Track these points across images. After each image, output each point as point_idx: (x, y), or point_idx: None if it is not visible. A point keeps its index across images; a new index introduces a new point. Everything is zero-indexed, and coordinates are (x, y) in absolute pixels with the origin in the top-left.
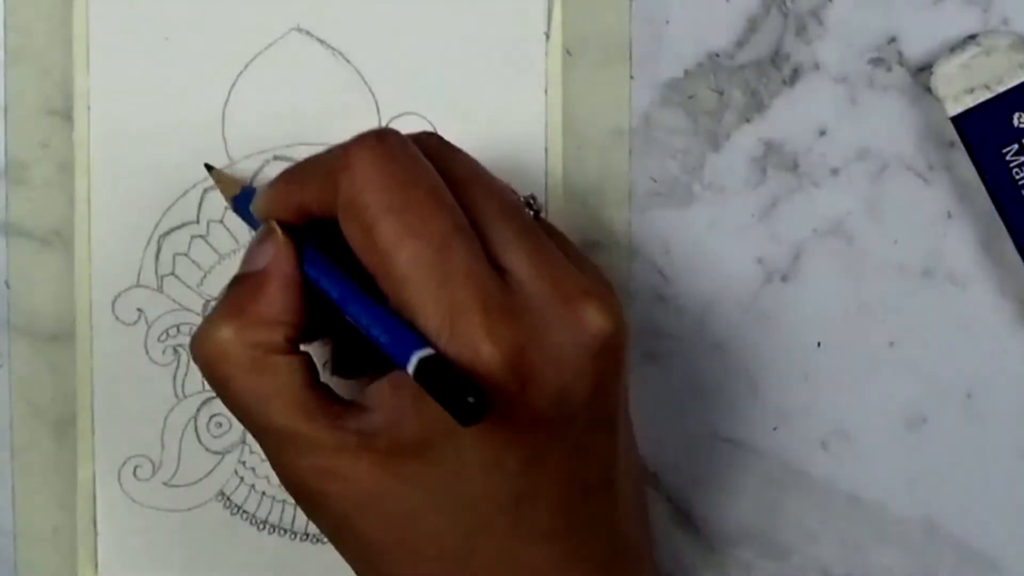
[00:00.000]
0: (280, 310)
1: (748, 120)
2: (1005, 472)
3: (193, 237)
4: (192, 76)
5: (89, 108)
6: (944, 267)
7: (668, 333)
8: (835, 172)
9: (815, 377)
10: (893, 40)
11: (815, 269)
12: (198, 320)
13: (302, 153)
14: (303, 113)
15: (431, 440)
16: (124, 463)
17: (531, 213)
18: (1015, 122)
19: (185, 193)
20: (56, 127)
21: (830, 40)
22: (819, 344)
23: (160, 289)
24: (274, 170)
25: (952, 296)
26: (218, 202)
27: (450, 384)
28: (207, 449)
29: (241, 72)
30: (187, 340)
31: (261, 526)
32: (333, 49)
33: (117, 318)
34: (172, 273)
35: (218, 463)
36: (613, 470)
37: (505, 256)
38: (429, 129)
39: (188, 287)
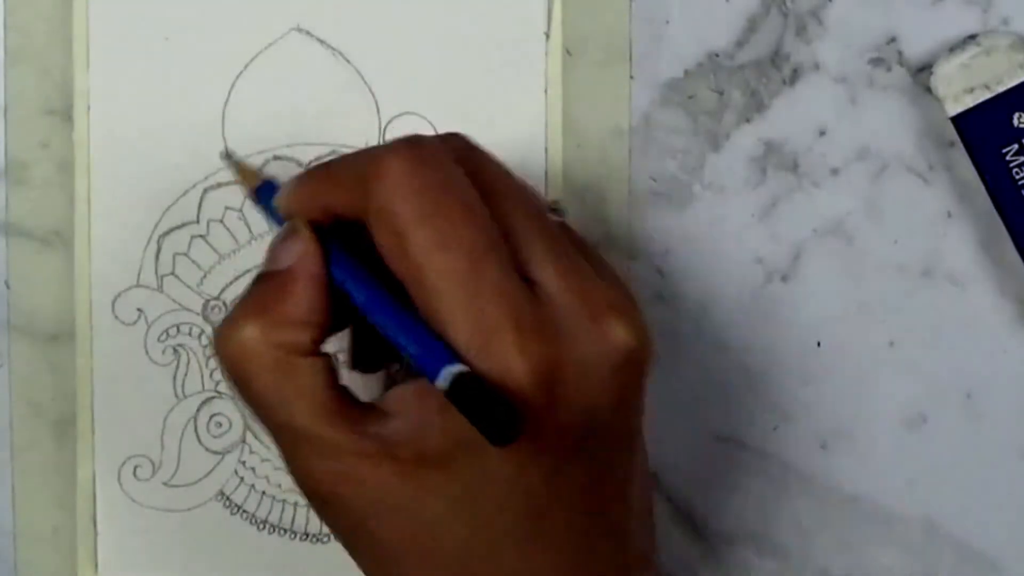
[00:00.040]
0: (306, 311)
1: (748, 120)
2: (1005, 472)
3: (193, 237)
4: (192, 76)
5: (89, 108)
6: (944, 267)
7: (668, 333)
8: (835, 172)
9: (815, 377)
10: (893, 40)
11: (815, 269)
12: (198, 320)
13: (302, 153)
14: (303, 113)
15: (456, 453)
16: (124, 463)
17: (557, 220)
18: (1015, 122)
19: (185, 193)
20: (56, 127)
21: (830, 40)
22: (819, 344)
23: (160, 289)
24: (274, 170)
25: (952, 296)
26: (218, 202)
27: (483, 403)
28: (207, 449)
29: (241, 72)
30: (187, 340)
31: (261, 526)
32: (333, 49)
33: (117, 318)
34: (172, 273)
35: (218, 463)
36: (629, 483)
37: (534, 268)
38: (429, 129)
39: (188, 287)
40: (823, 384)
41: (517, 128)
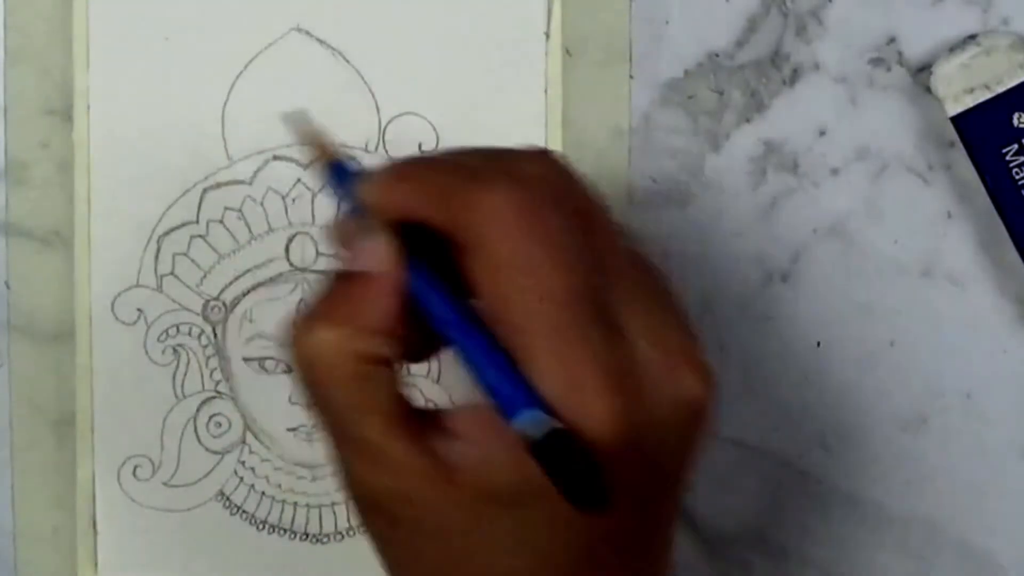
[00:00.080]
0: (385, 320)
1: (748, 120)
2: (1005, 472)
3: (192, 237)
4: (192, 76)
5: (89, 108)
6: (944, 267)
7: None
8: (835, 172)
9: (815, 377)
10: (893, 40)
11: (815, 269)
12: (198, 320)
13: (302, 153)
14: None
15: (523, 494)
16: (124, 463)
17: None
18: (1015, 122)
19: (185, 193)
20: (56, 127)
21: (830, 40)
22: (819, 344)
23: (160, 289)
24: (274, 170)
25: (952, 296)
26: (218, 202)
27: (571, 464)
28: (207, 449)
29: (241, 72)
30: (187, 340)
31: (261, 526)
32: (333, 49)
33: (117, 318)
34: (172, 273)
35: (218, 463)
36: (673, 525)
37: (622, 312)
38: (429, 129)
39: (188, 287)
40: (823, 384)
41: (517, 128)
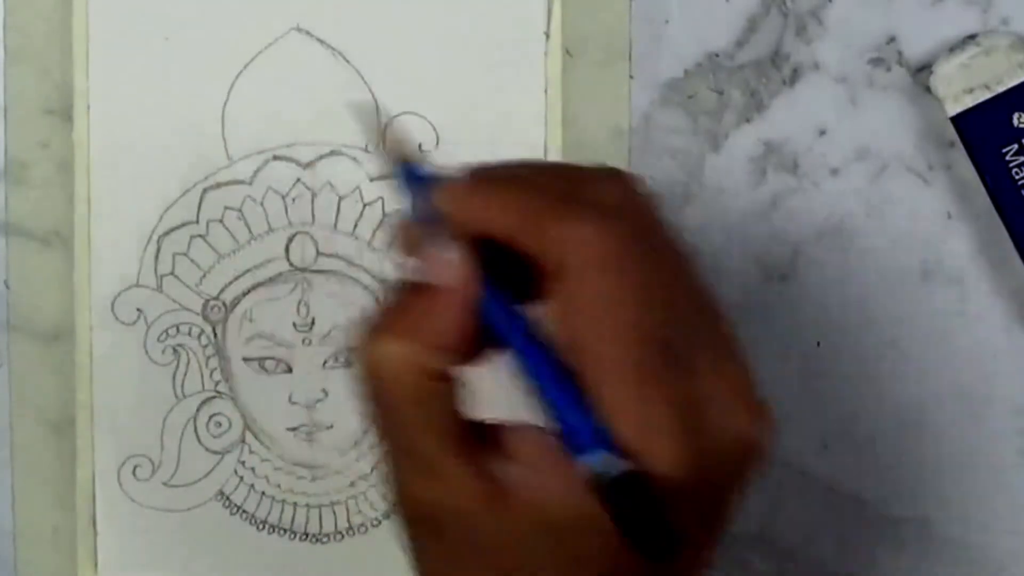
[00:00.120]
0: (456, 338)
1: (748, 120)
2: (1004, 472)
3: (192, 237)
4: (192, 76)
5: (89, 108)
6: (944, 267)
7: None
8: (835, 172)
9: (815, 377)
10: (893, 40)
11: (815, 269)
12: (198, 320)
13: (302, 153)
14: (303, 113)
15: (575, 525)
16: (124, 463)
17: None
18: (1015, 122)
19: (185, 193)
20: (56, 127)
21: (830, 40)
22: (819, 344)
23: (159, 289)
24: (274, 170)
25: (952, 296)
26: (218, 202)
27: (641, 511)
28: (207, 449)
29: (241, 72)
30: (187, 340)
31: (261, 526)
32: (333, 49)
33: (117, 318)
34: (172, 273)
35: (218, 463)
36: (712, 558)
37: (689, 350)
38: (429, 129)
39: (188, 287)
40: (823, 384)
41: (517, 128)
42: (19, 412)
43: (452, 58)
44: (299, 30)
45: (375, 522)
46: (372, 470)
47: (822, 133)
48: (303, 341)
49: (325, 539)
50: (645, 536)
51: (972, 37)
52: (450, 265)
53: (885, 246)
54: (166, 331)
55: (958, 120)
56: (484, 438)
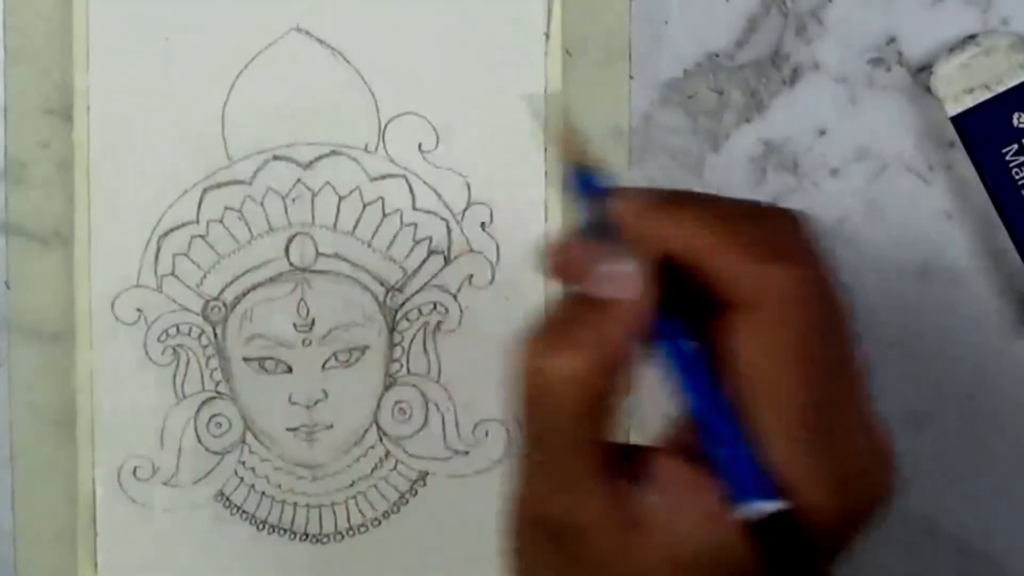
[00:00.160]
0: (626, 357)
1: (748, 120)
2: (1005, 472)
3: (193, 237)
4: (192, 76)
5: (89, 108)
6: (944, 267)
7: None
8: (835, 172)
9: None
10: (893, 40)
11: None
12: (198, 320)
13: (302, 153)
14: (303, 113)
15: (714, 560)
16: (124, 463)
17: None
18: (1015, 122)
19: (185, 193)
20: (56, 127)
21: (830, 40)
22: None
23: (160, 289)
24: (274, 170)
25: (952, 296)
26: (218, 202)
27: (795, 554)
28: (207, 449)
29: (241, 72)
30: (187, 340)
31: (261, 526)
32: (333, 49)
33: (117, 318)
34: (172, 273)
35: (218, 463)
36: None
37: (848, 408)
38: (429, 129)
39: (188, 287)
40: None
41: (517, 128)
42: (19, 412)
43: (452, 58)
44: (299, 30)
45: (375, 522)
46: (372, 470)
47: (822, 133)
48: (303, 341)
49: (325, 539)
50: (792, 572)
51: (972, 37)
52: (627, 280)
53: (885, 246)
54: (166, 331)
55: (958, 120)
56: (628, 460)
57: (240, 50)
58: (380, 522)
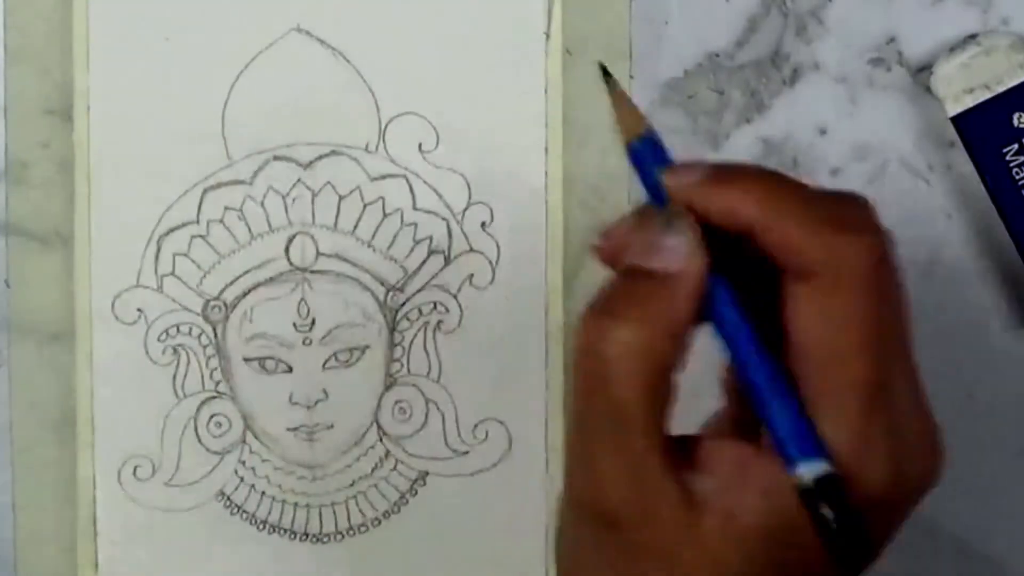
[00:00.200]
0: (685, 326)
1: (748, 120)
2: (1005, 472)
3: (193, 237)
4: (192, 76)
5: (89, 108)
6: (944, 267)
7: None
8: (835, 172)
9: None
10: (893, 40)
11: None
12: (198, 320)
13: (302, 153)
14: (303, 113)
15: (773, 536)
16: (124, 463)
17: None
18: (1015, 122)
19: (185, 193)
20: (56, 127)
21: (830, 40)
22: None
23: (160, 289)
24: (274, 170)
25: (952, 296)
26: (218, 202)
27: (844, 519)
28: (207, 449)
29: (241, 72)
30: (187, 340)
31: (261, 526)
32: (333, 49)
33: (117, 318)
34: (172, 273)
35: (218, 463)
36: None
37: (900, 387)
38: (429, 129)
39: (188, 287)
40: None
41: (517, 128)
42: (19, 412)
43: (452, 58)
44: (299, 30)
45: (375, 522)
46: (372, 470)
47: (822, 133)
48: (303, 341)
49: (325, 539)
50: (843, 544)
51: (972, 37)
52: (678, 250)
53: None
54: (166, 331)
55: (958, 120)
56: (680, 447)
57: (240, 50)
58: (380, 522)
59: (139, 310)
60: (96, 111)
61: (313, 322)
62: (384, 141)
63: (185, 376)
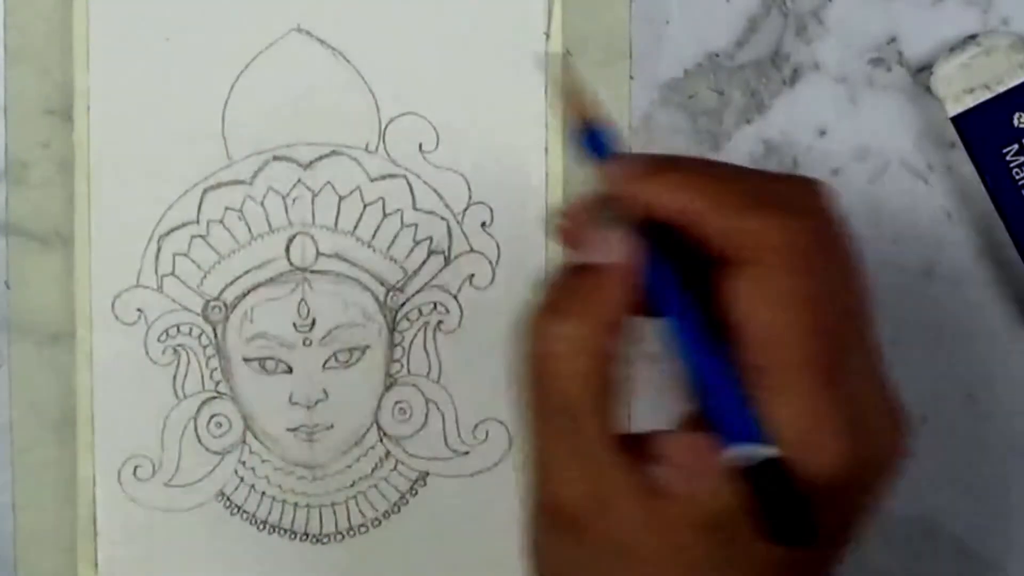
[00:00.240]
0: (621, 316)
1: (748, 120)
2: (1005, 472)
3: (193, 237)
4: (192, 76)
5: (89, 108)
6: (944, 267)
7: None
8: (835, 172)
9: None
10: (893, 40)
11: None
12: (198, 320)
13: (302, 153)
14: (303, 113)
15: (724, 523)
16: (124, 463)
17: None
18: (1015, 122)
19: (185, 193)
20: (56, 127)
21: (830, 40)
22: None
23: (160, 289)
24: (274, 170)
25: (952, 296)
26: (218, 202)
27: (783, 499)
28: (207, 449)
29: (241, 72)
30: (187, 340)
31: (261, 526)
32: (333, 49)
33: (117, 318)
34: (172, 273)
35: (218, 463)
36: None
37: (853, 360)
38: (429, 129)
39: (188, 287)
40: None
41: (517, 128)
42: (19, 412)
43: (452, 58)
44: (299, 30)
45: (375, 522)
46: (372, 470)
47: (822, 133)
48: (303, 341)
49: (325, 539)
50: (784, 522)
51: (972, 37)
52: (619, 242)
53: (885, 246)
54: (166, 331)
55: (958, 120)
56: (633, 442)
57: (240, 50)
58: (380, 522)
59: (139, 310)
60: (96, 111)
61: (313, 322)
62: (384, 141)
63: (185, 376)
